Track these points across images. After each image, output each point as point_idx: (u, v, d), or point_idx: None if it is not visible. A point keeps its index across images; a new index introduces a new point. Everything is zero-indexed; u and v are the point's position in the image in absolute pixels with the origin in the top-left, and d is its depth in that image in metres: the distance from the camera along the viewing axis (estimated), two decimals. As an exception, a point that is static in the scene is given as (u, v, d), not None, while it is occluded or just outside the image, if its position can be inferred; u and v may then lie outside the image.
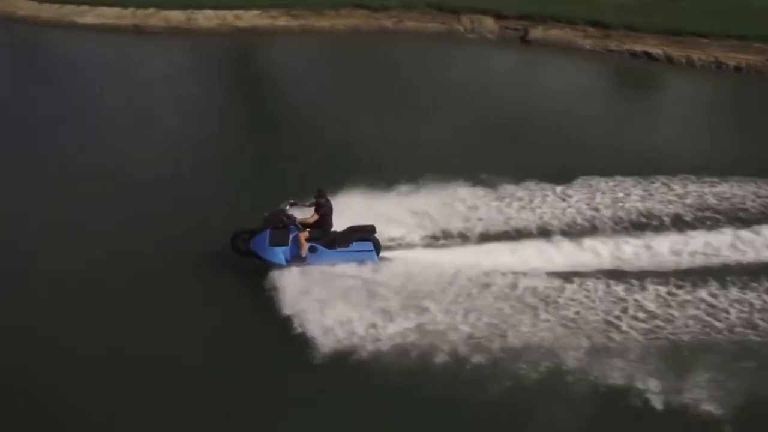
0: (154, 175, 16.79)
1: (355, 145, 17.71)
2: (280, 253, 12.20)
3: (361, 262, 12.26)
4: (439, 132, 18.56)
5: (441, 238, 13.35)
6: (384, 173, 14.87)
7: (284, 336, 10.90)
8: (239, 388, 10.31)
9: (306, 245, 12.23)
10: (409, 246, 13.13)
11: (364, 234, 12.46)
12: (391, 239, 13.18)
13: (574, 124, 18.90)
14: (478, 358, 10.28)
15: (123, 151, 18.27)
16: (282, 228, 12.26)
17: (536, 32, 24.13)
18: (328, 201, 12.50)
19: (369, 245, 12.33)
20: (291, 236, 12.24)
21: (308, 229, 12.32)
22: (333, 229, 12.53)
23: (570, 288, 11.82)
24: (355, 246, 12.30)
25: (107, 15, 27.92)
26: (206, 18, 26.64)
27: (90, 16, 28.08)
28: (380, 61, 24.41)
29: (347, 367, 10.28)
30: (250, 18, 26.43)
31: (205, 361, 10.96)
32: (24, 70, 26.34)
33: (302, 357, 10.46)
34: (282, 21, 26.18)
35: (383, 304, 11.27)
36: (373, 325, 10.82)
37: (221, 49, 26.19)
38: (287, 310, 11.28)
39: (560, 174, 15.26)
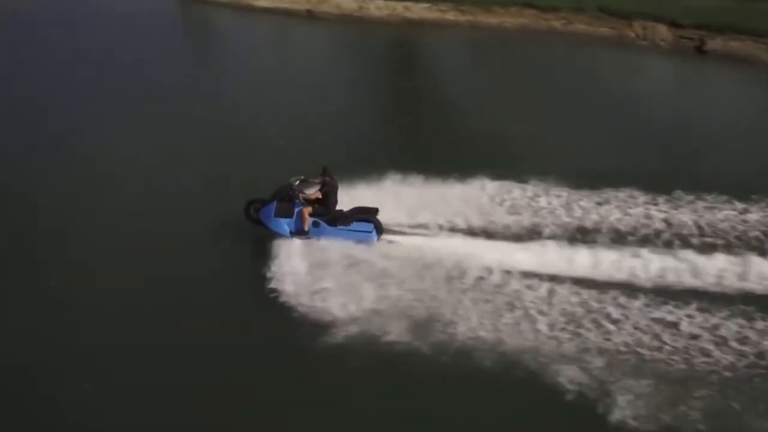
0: (314, 137, 18.27)
1: (493, 138, 17.79)
2: (284, 225, 12.69)
3: (361, 241, 12.57)
4: (579, 136, 18.21)
5: (467, 232, 13.19)
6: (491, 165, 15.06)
7: (262, 297, 11.56)
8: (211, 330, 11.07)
9: (309, 220, 12.58)
10: (429, 233, 13.13)
11: (366, 215, 12.73)
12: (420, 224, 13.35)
13: (739, 141, 18.04)
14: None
15: (291, 122, 19.66)
16: (288, 201, 12.61)
17: (714, 43, 23.56)
18: (333, 180, 12.73)
19: (369, 226, 12.61)
20: (296, 210, 12.59)
21: (312, 205, 12.65)
22: (339, 208, 12.87)
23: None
24: (356, 226, 12.60)
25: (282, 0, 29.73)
26: (377, 8, 27.89)
27: (265, 0, 30.05)
28: (543, 61, 24.54)
29: (308, 330, 10.70)
30: (419, 10, 27.36)
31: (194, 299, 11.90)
32: (205, 47, 28.67)
33: (275, 316, 11.21)
34: (451, 15, 26.92)
35: (357, 280, 11.63)
36: (344, 303, 11.06)
37: (388, 38, 27.30)
38: (271, 274, 11.93)
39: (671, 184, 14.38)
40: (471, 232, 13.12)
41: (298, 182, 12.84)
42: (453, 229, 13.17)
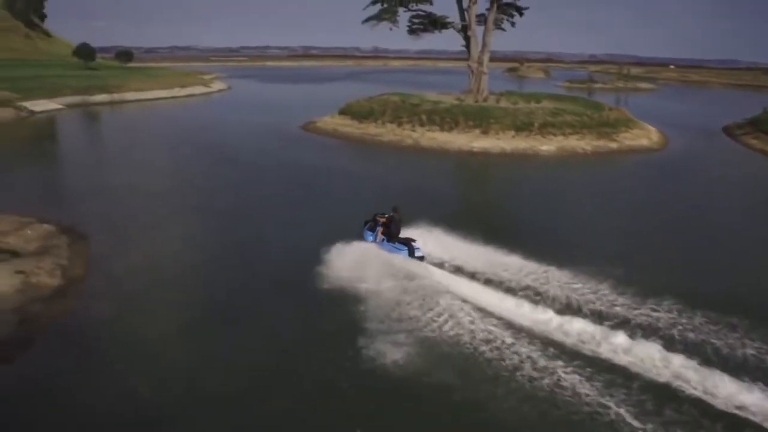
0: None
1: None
2: (369, 236, 21.40)
3: (397, 253, 20.30)
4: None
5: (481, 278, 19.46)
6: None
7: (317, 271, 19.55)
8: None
9: (380, 236, 21.11)
10: (456, 270, 20.03)
11: (406, 241, 20.46)
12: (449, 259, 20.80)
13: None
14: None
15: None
16: (373, 223, 21.45)
17: None
18: (396, 214, 20.83)
19: (404, 248, 20.31)
20: (376, 229, 21.21)
21: (382, 228, 21.06)
22: (400, 234, 20.79)
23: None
24: (398, 245, 20.52)
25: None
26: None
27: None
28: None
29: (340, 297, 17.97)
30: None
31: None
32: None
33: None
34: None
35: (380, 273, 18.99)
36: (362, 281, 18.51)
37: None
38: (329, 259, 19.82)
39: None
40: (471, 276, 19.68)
41: (378, 215, 21.46)
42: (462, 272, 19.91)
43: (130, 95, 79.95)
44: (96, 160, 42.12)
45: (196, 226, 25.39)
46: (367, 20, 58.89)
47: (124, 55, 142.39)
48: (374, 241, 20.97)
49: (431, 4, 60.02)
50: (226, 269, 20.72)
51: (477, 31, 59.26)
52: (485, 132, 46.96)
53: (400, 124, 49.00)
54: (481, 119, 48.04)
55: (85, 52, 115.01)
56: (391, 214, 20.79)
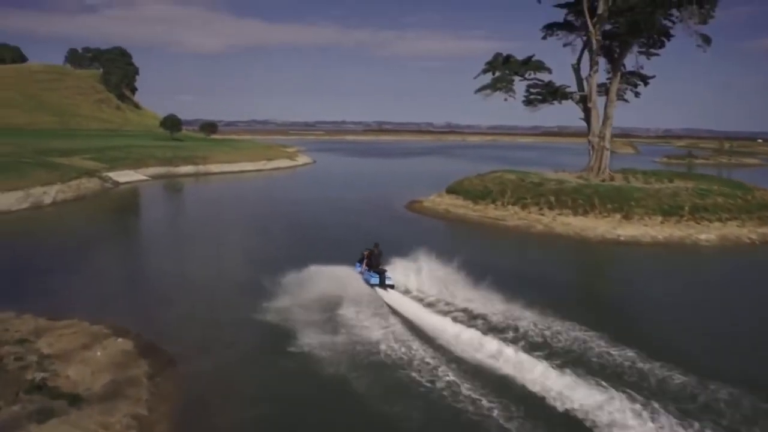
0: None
1: None
2: (358, 266, 24.74)
3: (369, 281, 23.97)
4: None
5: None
6: None
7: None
8: None
9: (364, 266, 24.50)
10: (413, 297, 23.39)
11: (381, 271, 23.86)
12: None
13: None
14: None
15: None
16: (362, 257, 24.77)
17: None
18: (376, 250, 24.48)
19: (375, 276, 23.75)
20: (363, 261, 24.65)
21: (365, 261, 24.53)
22: (379, 265, 24.21)
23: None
24: (373, 274, 23.89)
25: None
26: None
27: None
28: None
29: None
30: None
31: None
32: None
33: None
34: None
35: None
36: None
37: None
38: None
39: None
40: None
41: (365, 251, 24.78)
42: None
43: (215, 167, 76.98)
44: (182, 240, 36.70)
45: (322, 347, 18.01)
46: (480, 89, 53.29)
47: (209, 126, 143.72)
48: (360, 271, 24.69)
49: (550, 72, 54.09)
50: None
51: (598, 102, 52.71)
52: (627, 217, 39.60)
53: (524, 207, 42.34)
54: (620, 202, 40.81)
55: (171, 123, 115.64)
56: (372, 249, 24.71)
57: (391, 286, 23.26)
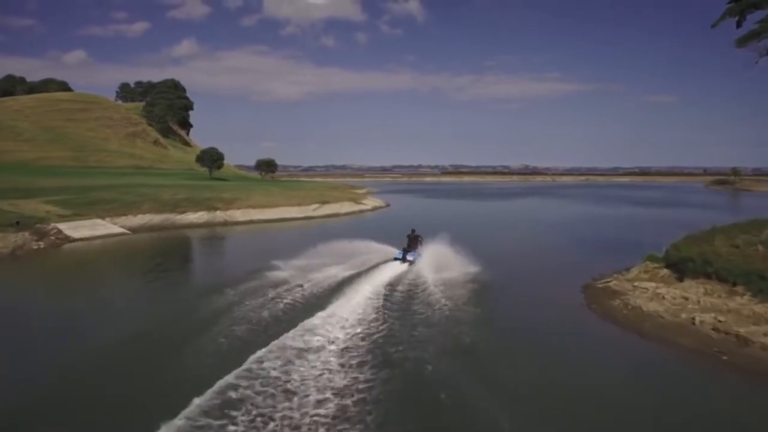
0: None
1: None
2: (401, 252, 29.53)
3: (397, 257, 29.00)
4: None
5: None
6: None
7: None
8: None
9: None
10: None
11: (406, 250, 29.12)
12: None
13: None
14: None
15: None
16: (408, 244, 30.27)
17: None
18: (412, 234, 30.15)
19: (400, 253, 28.89)
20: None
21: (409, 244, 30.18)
22: (416, 247, 29.83)
23: None
24: (402, 251, 29.18)
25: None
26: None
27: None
28: None
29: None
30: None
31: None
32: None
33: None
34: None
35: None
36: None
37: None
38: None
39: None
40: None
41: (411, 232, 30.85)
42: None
43: (240, 214, 52.92)
44: None
45: None
46: (742, 41, 26.32)
47: (266, 165, 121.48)
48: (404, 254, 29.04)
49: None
50: None
51: None
52: None
53: None
54: None
55: (209, 158, 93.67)
56: (409, 233, 30.00)
57: (411, 262, 27.73)
